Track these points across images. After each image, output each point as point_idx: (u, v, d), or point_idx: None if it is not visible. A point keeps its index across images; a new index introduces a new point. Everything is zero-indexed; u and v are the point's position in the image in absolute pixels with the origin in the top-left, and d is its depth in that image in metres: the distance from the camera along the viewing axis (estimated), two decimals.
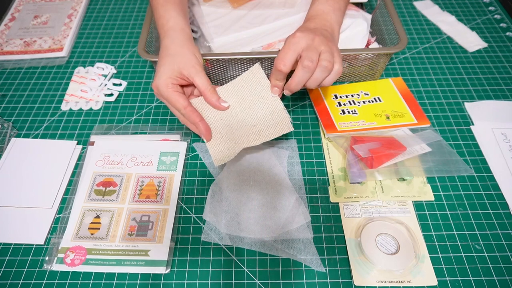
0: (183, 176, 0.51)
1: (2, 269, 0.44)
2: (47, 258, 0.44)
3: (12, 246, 0.46)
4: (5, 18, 0.74)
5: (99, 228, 0.46)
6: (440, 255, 0.44)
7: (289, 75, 0.43)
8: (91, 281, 0.43)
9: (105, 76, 0.64)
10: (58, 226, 0.47)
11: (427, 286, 0.42)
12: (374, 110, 0.55)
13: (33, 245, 0.46)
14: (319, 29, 0.45)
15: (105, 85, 0.62)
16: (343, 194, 0.49)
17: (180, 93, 0.45)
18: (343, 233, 0.46)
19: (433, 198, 0.48)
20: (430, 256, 0.44)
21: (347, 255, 0.44)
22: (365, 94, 0.58)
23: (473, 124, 0.56)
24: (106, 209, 0.48)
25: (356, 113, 0.55)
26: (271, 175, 0.50)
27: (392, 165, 0.49)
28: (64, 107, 0.60)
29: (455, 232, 0.46)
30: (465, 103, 0.59)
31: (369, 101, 0.57)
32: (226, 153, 0.46)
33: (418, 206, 0.48)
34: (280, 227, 0.45)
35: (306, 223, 0.46)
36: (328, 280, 0.42)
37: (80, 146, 0.55)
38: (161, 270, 0.43)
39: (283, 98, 0.50)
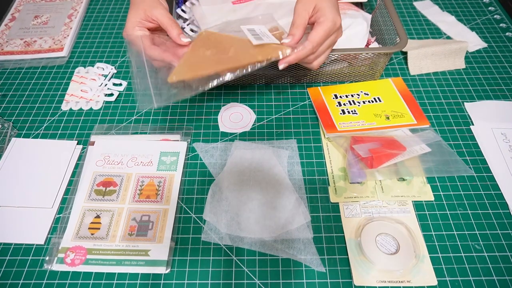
0: (183, 176, 0.51)
1: (3, 269, 0.44)
2: (47, 258, 0.44)
3: (12, 246, 0.46)
4: (5, 18, 0.74)
5: (99, 228, 0.46)
6: (440, 255, 0.44)
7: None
8: (91, 281, 0.43)
9: (105, 76, 0.64)
10: (58, 226, 0.47)
11: (427, 286, 0.42)
12: (374, 110, 0.55)
13: (33, 245, 0.46)
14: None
15: (105, 85, 0.62)
16: (343, 194, 0.49)
17: (144, 35, 0.46)
18: (343, 233, 0.46)
19: (433, 198, 0.48)
20: (430, 256, 0.44)
21: (347, 255, 0.44)
22: (365, 94, 0.58)
23: (473, 124, 0.56)
24: (106, 209, 0.48)
25: (356, 113, 0.55)
26: (271, 175, 0.50)
27: (392, 165, 0.49)
28: (64, 107, 0.60)
29: (455, 232, 0.46)
30: (465, 103, 0.59)
31: (369, 101, 0.57)
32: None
33: (418, 206, 0.48)
34: (280, 227, 0.45)
35: (306, 223, 0.46)
36: (328, 280, 0.42)
37: (80, 146, 0.55)
38: (161, 270, 0.43)
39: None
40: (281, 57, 0.43)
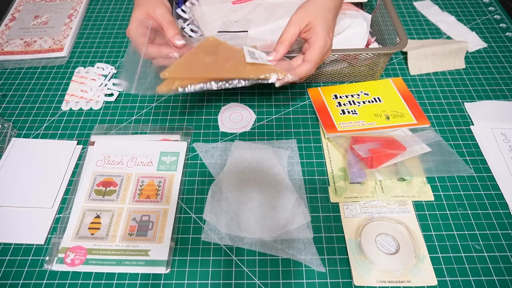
0: (183, 176, 0.51)
1: (3, 269, 0.44)
2: (47, 258, 0.44)
3: (12, 246, 0.46)
4: (5, 18, 0.74)
5: (99, 228, 0.46)
6: (440, 255, 0.44)
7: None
8: (91, 281, 0.43)
9: (105, 76, 0.64)
10: (58, 226, 0.47)
11: (427, 286, 0.42)
12: (374, 110, 0.55)
13: (33, 245, 0.46)
14: (332, 21, 0.47)
15: (105, 85, 0.62)
16: (343, 194, 0.49)
17: (144, 34, 0.47)
18: (343, 233, 0.46)
19: (433, 198, 0.48)
20: (430, 256, 0.44)
21: (347, 255, 0.44)
22: (365, 94, 0.58)
23: (473, 124, 0.56)
24: (106, 209, 0.48)
25: (356, 113, 0.55)
26: (271, 175, 0.50)
27: (392, 165, 0.49)
28: (64, 107, 0.60)
29: (455, 232, 0.46)
30: (465, 103, 0.59)
31: (369, 101, 0.57)
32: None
33: (418, 206, 0.48)
34: (280, 227, 0.45)
35: (306, 223, 0.46)
36: (328, 280, 0.42)
37: (80, 146, 0.55)
38: (161, 270, 0.43)
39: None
40: (274, 80, 0.44)
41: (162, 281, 0.43)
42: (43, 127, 0.57)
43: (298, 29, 0.45)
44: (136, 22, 0.47)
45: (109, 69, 0.65)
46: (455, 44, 0.63)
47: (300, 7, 0.47)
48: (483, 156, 0.53)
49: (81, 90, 0.61)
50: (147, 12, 0.47)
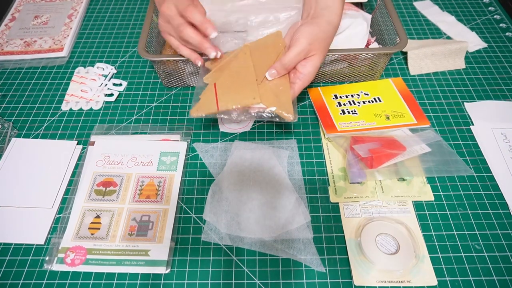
0: (183, 176, 0.51)
1: (3, 269, 0.44)
2: (47, 258, 0.44)
3: (12, 246, 0.46)
4: (5, 18, 0.74)
5: (99, 228, 0.46)
6: (440, 255, 0.44)
7: None
8: (91, 281, 0.43)
9: (105, 76, 0.64)
10: (58, 226, 0.47)
11: (427, 286, 0.42)
12: (374, 110, 0.55)
13: (33, 245, 0.46)
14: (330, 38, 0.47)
15: (105, 85, 0.62)
16: (343, 194, 0.49)
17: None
18: (343, 233, 0.46)
19: (433, 198, 0.48)
20: (430, 256, 0.44)
21: (347, 255, 0.44)
22: (365, 94, 0.58)
23: (473, 124, 0.56)
24: (106, 209, 0.48)
25: (356, 113, 0.55)
26: (271, 175, 0.50)
27: (392, 165, 0.49)
28: (64, 107, 0.60)
29: (455, 232, 0.46)
30: (465, 103, 0.59)
31: (369, 101, 0.57)
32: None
33: (418, 206, 0.48)
34: (280, 227, 0.45)
35: (306, 223, 0.46)
36: (328, 280, 0.42)
37: (80, 146, 0.55)
38: (161, 270, 0.43)
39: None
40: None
41: (162, 281, 0.43)
42: (43, 127, 0.57)
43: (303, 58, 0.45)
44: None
45: (109, 69, 0.65)
46: (455, 44, 0.63)
47: (310, 31, 0.44)
48: (483, 156, 0.53)
49: (81, 90, 0.61)
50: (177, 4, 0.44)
